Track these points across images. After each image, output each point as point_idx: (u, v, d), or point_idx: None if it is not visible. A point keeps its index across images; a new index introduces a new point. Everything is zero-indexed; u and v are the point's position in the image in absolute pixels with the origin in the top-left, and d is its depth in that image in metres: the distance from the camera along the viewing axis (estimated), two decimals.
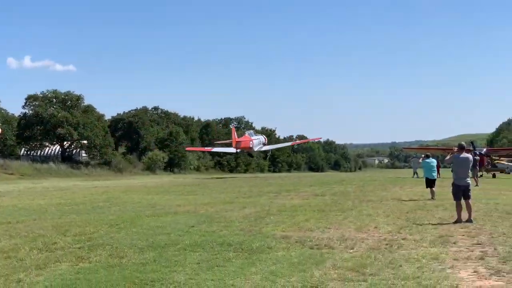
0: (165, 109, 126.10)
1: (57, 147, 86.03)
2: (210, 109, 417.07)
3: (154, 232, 14.14)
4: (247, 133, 68.04)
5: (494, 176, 54.84)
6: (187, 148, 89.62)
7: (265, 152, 75.66)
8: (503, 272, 9.16)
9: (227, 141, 70.40)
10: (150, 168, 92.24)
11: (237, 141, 61.91)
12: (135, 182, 52.36)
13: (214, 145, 73.78)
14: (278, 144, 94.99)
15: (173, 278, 8.90)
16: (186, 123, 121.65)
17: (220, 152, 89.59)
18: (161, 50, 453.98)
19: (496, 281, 8.62)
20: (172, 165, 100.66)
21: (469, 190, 16.61)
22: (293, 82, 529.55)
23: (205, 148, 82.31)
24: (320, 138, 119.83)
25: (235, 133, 65.33)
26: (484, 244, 11.98)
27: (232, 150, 65.76)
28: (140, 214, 19.03)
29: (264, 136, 70.89)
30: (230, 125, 72.23)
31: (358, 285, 8.40)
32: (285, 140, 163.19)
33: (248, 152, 69.14)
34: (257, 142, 64.39)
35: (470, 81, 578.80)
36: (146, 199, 26.05)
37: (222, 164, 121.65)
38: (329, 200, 23.86)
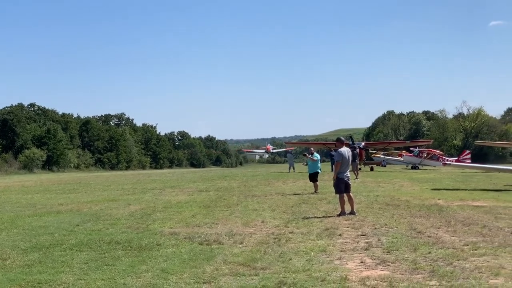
0: (43, 106, 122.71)
1: None
2: (89, 106, 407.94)
3: (37, 233, 13.67)
4: (268, 144, 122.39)
5: (371, 169, 56.65)
6: (244, 150, 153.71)
7: (273, 152, 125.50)
8: (388, 261, 9.47)
9: (262, 147, 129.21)
10: (27, 166, 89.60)
11: (268, 148, 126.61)
12: (11, 181, 50.56)
13: (255, 148, 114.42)
14: (280, 149, 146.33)
15: (61, 279, 8.62)
16: (65, 120, 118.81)
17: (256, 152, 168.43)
18: (37, 45, 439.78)
19: (382, 270, 8.89)
20: (50, 163, 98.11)
21: (350, 183, 17.03)
22: (172, 77, 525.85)
23: (248, 149, 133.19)
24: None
25: (268, 145, 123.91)
26: (368, 235, 12.34)
27: (263, 151, 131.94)
28: (20, 214, 18.39)
29: (273, 146, 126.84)
30: (267, 144, 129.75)
31: (250, 279, 8.43)
32: (166, 135, 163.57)
33: (268, 152, 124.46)
34: (272, 148, 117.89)
35: (346, 78, 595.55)
36: (25, 199, 25.20)
37: (103, 161, 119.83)
38: (214, 196, 23.92)
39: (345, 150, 17.10)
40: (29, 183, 43.49)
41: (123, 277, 8.69)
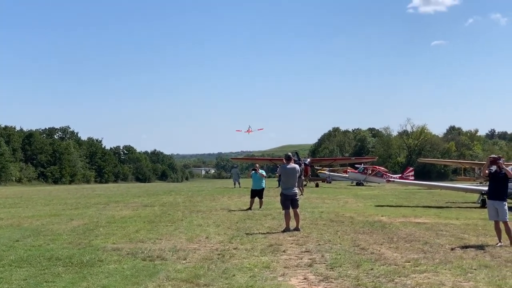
0: None
1: None
2: (33, 119, 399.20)
3: None
4: (249, 127, 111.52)
5: (317, 185, 56.97)
6: (236, 130, 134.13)
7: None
8: (331, 278, 9.51)
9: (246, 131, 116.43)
10: None
11: (249, 130, 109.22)
12: None
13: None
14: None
15: None
16: (7, 133, 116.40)
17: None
18: None
19: (325, 287, 8.93)
20: None
21: (297, 199, 17.15)
22: (118, 91, 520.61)
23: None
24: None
25: (249, 128, 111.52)
26: (312, 251, 12.39)
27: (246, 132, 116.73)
28: None
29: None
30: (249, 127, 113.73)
31: None
32: (112, 149, 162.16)
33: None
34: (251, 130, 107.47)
35: (290, 93, 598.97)
36: None
37: (46, 175, 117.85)
38: (158, 211, 23.69)
39: (291, 166, 17.23)
40: None
41: None
